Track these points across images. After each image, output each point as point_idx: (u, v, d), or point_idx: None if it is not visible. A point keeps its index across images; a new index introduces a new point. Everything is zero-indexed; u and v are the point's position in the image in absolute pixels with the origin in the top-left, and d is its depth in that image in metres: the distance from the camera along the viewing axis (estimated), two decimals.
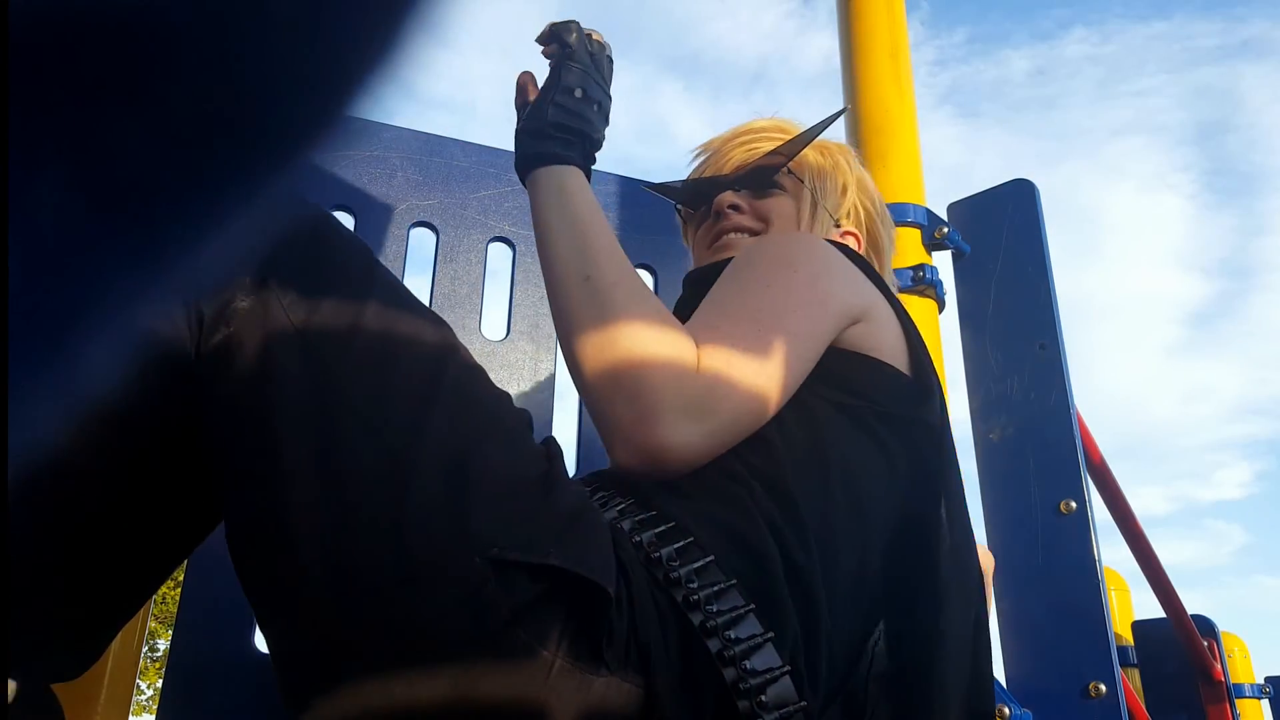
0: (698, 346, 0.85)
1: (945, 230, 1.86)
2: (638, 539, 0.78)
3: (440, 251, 1.59)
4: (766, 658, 0.73)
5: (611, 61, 1.02)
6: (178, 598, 1.30)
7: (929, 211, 1.87)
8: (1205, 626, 2.68)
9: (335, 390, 0.71)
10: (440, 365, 0.76)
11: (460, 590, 0.67)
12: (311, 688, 0.71)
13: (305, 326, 0.72)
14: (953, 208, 1.99)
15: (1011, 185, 1.92)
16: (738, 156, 1.21)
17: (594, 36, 1.01)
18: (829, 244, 1.01)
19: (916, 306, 1.79)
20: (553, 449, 0.81)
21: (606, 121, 1.00)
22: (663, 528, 0.79)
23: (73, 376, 0.15)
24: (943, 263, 1.89)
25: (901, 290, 1.79)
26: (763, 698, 0.71)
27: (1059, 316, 1.76)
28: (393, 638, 0.68)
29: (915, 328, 1.04)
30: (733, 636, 0.72)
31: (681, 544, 0.77)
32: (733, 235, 1.19)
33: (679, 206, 1.35)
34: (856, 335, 0.96)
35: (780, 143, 1.19)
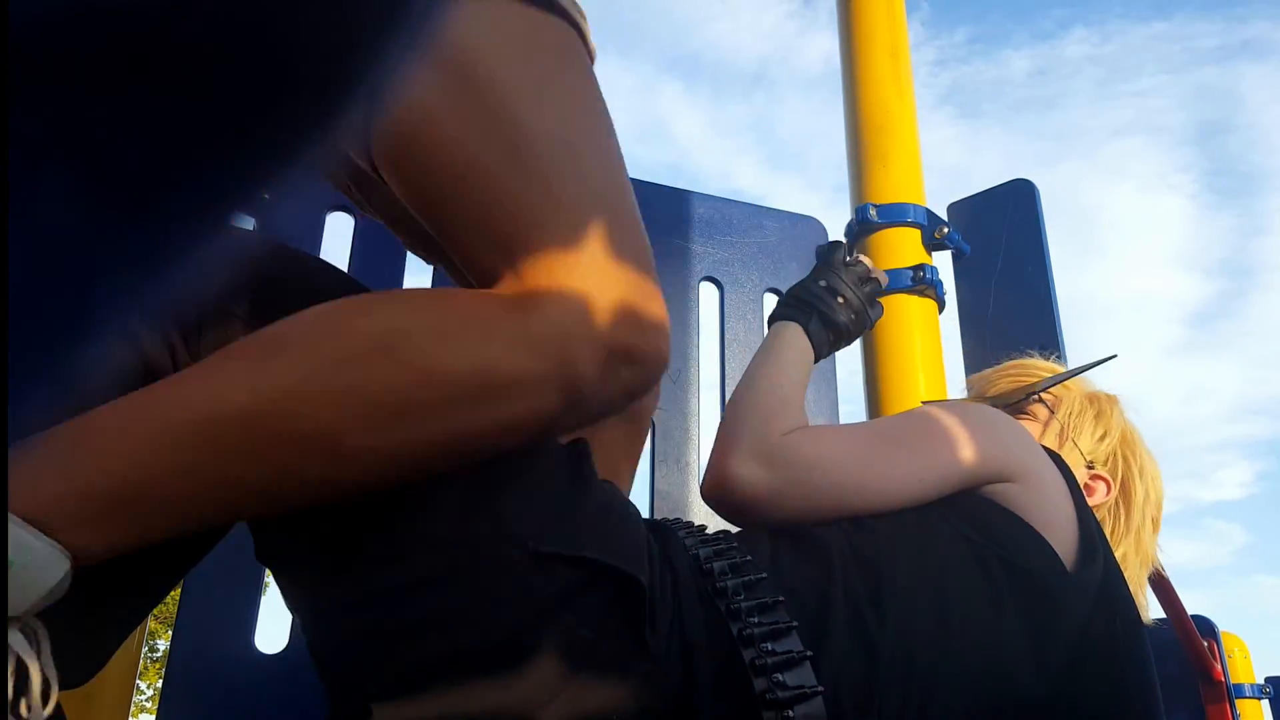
0: (801, 429, 0.99)
1: (945, 230, 1.86)
2: (695, 552, 0.83)
3: None
4: (801, 675, 0.73)
5: (866, 273, 1.25)
6: (178, 598, 1.30)
7: (929, 211, 1.87)
8: (1205, 627, 2.68)
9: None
10: None
11: (505, 580, 0.70)
12: (369, 688, 0.72)
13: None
14: (953, 208, 1.99)
15: (1011, 185, 1.92)
16: (1001, 385, 1.32)
17: (859, 254, 1.26)
18: (1009, 416, 1.07)
19: (916, 307, 1.79)
20: (580, 448, 0.83)
21: (851, 308, 1.20)
22: (723, 546, 0.84)
23: (63, 377, 0.15)
24: (943, 263, 1.89)
25: (901, 290, 1.79)
26: (790, 713, 0.72)
27: (1059, 316, 1.76)
28: (446, 629, 0.70)
29: (1104, 540, 1.01)
30: (769, 649, 0.74)
31: (738, 560, 0.82)
32: None
33: None
34: (1008, 494, 0.97)
35: (1044, 378, 1.28)
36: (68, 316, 0.14)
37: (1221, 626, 2.80)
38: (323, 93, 0.15)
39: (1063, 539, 0.97)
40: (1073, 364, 1.35)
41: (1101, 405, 1.28)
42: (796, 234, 1.95)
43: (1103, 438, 1.24)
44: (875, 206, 1.84)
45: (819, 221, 2.00)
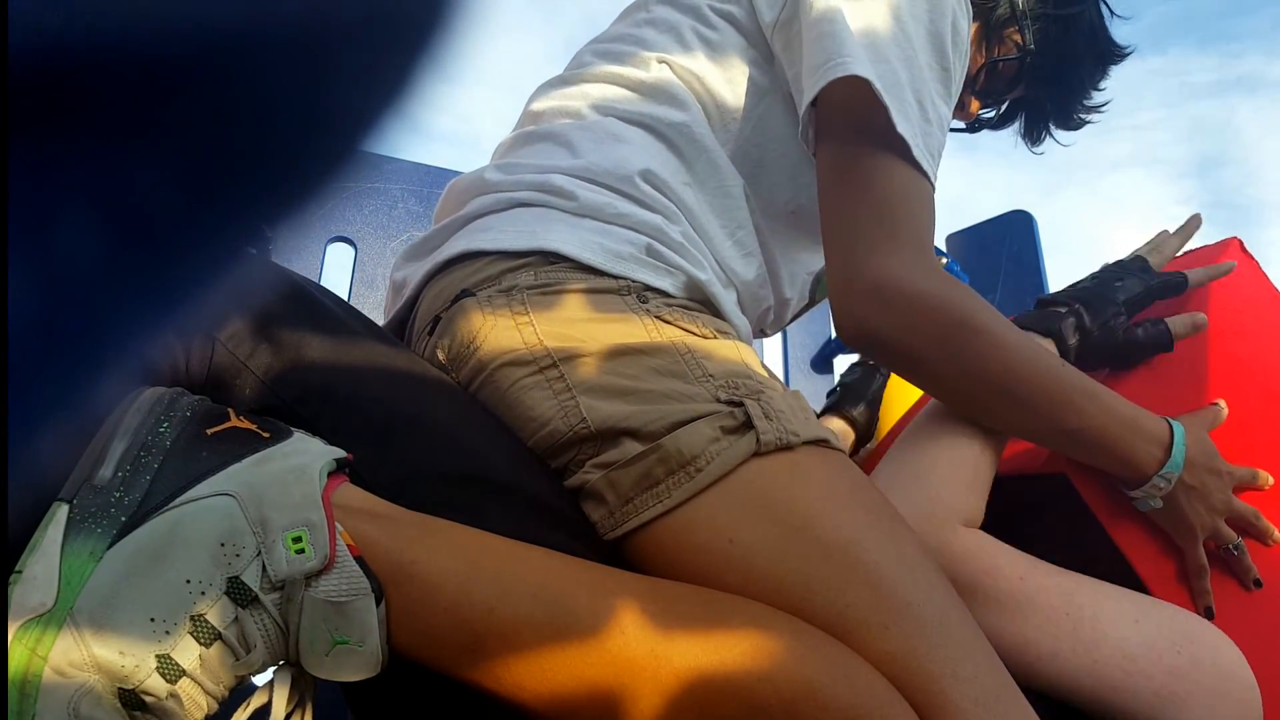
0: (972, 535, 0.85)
1: (944, 260, 1.86)
2: None
3: None
4: None
5: (1163, 285, 1.02)
6: None
7: None
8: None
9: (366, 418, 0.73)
10: (440, 383, 0.77)
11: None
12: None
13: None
14: (951, 238, 1.99)
15: (1010, 216, 1.92)
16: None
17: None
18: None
19: None
20: None
21: (1099, 312, 1.01)
22: None
23: (80, 399, 0.15)
24: None
25: None
26: None
27: None
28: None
29: None
30: None
31: None
32: None
33: None
34: None
35: None
36: (86, 343, 0.14)
37: None
38: (335, 129, 0.16)
39: None
40: None
41: None
42: None
43: None
44: None
45: None
